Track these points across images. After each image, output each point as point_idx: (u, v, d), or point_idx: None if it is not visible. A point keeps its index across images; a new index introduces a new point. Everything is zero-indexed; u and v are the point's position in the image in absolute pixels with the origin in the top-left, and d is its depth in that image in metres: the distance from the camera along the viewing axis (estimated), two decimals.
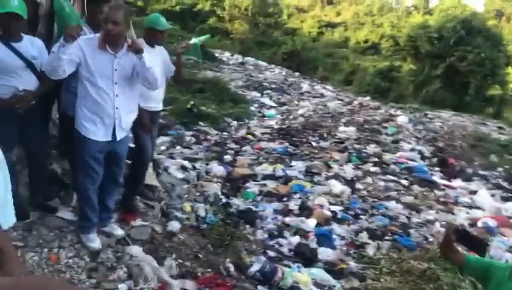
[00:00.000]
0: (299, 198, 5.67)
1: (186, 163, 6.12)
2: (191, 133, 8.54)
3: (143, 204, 3.93)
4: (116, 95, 2.90)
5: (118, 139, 2.98)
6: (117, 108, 2.91)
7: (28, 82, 2.94)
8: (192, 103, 9.71)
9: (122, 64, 2.89)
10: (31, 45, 2.96)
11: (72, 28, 2.66)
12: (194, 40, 3.96)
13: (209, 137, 8.54)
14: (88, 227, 3.16)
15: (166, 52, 3.78)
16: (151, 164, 4.49)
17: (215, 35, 23.66)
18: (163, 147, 7.38)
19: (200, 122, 9.20)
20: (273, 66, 18.85)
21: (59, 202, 3.51)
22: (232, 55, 19.64)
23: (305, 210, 5.26)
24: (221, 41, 22.66)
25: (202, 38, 4.25)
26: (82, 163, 2.97)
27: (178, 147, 7.59)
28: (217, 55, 18.69)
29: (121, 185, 3.37)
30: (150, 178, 4.25)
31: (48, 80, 3.10)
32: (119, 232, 3.33)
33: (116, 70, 2.86)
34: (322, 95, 14.36)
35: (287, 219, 4.99)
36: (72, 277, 2.83)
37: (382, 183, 6.57)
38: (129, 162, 3.76)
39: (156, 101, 3.70)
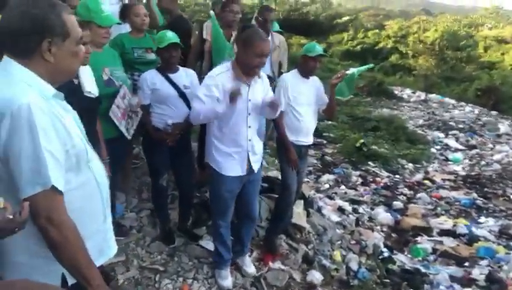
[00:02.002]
0: (487, 265, 4.45)
1: (345, 205, 5.59)
2: (358, 173, 7.94)
3: (287, 245, 3.60)
4: (249, 126, 2.73)
5: (255, 171, 2.82)
6: (250, 139, 2.74)
7: (180, 111, 3.03)
8: (362, 141, 9.13)
9: (255, 93, 2.73)
10: (185, 75, 3.07)
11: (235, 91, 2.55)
12: (351, 70, 3.53)
13: (378, 179, 7.76)
14: (220, 263, 3.01)
15: (321, 83, 3.48)
16: (302, 202, 4.16)
17: (396, 73, 22.49)
18: (326, 185, 7.03)
19: (370, 163, 8.52)
20: (463, 103, 16.54)
21: (205, 231, 3.49)
22: (413, 92, 18.15)
23: (495, 283, 4.06)
24: (402, 78, 21.28)
25: (363, 68, 3.79)
26: (217, 199, 2.86)
27: (342, 187, 7.11)
28: (396, 92, 17.57)
29: (256, 219, 3.15)
30: (299, 217, 3.91)
31: None
32: (251, 270, 3.10)
33: (250, 100, 2.70)
34: None
35: None
36: None
37: None
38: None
39: (305, 135, 3.40)
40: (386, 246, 4.69)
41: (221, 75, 2.63)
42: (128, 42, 3.24)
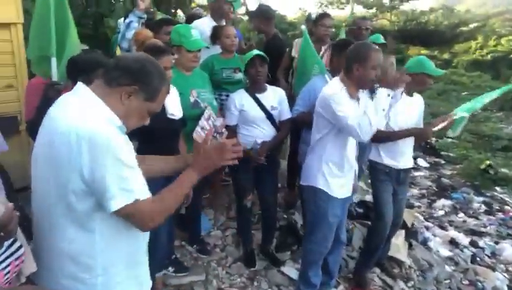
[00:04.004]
0: None
1: (461, 237, 4.85)
2: (482, 199, 6.92)
3: (380, 281, 3.21)
4: (357, 143, 2.57)
5: (356, 191, 2.67)
6: (355, 158, 2.59)
7: (266, 132, 2.97)
8: (489, 162, 8.00)
9: (362, 108, 2.48)
10: (273, 95, 2.98)
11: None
12: (461, 114, 2.98)
13: (507, 207, 6.66)
14: None
15: (423, 103, 3.07)
16: (403, 233, 3.71)
17: None
18: (441, 212, 6.26)
19: (497, 188, 7.39)
20: None
21: (289, 256, 3.32)
22: None
23: None
24: None
25: (480, 103, 3.10)
26: (323, 224, 2.59)
27: (461, 215, 6.25)
28: None
29: (345, 243, 2.92)
30: (397, 250, 3.47)
31: (285, 131, 3.06)
32: None
33: None
34: None
35: None
36: None
37: None
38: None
39: (404, 158, 3.00)
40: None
41: (341, 94, 2.41)
42: (218, 63, 3.30)
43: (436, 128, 2.90)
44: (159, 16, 4.33)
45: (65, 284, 1.35)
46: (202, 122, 2.77)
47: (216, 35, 3.35)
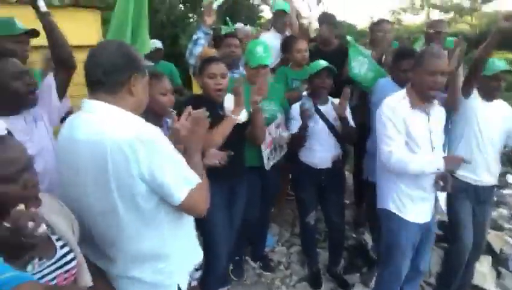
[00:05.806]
0: None
1: None
2: None
3: None
4: None
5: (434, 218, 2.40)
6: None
7: (329, 146, 2.83)
8: None
9: (435, 122, 2.30)
10: (336, 107, 2.82)
11: None
12: None
13: None
14: None
15: (508, 110, 2.70)
16: (489, 259, 3.31)
17: None
18: None
19: None
20: None
21: (358, 279, 3.11)
22: None
23: None
24: None
25: None
26: (396, 252, 2.36)
27: None
28: None
29: (424, 274, 2.63)
30: (482, 278, 3.09)
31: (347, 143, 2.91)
32: None
33: (431, 132, 2.26)
34: None
35: None
36: None
37: None
38: None
39: (486, 172, 2.64)
40: None
41: (399, 105, 2.25)
42: (290, 74, 3.36)
43: None
44: (224, 30, 4.42)
45: (148, 281, 1.44)
46: (272, 127, 2.74)
47: (287, 48, 3.37)
